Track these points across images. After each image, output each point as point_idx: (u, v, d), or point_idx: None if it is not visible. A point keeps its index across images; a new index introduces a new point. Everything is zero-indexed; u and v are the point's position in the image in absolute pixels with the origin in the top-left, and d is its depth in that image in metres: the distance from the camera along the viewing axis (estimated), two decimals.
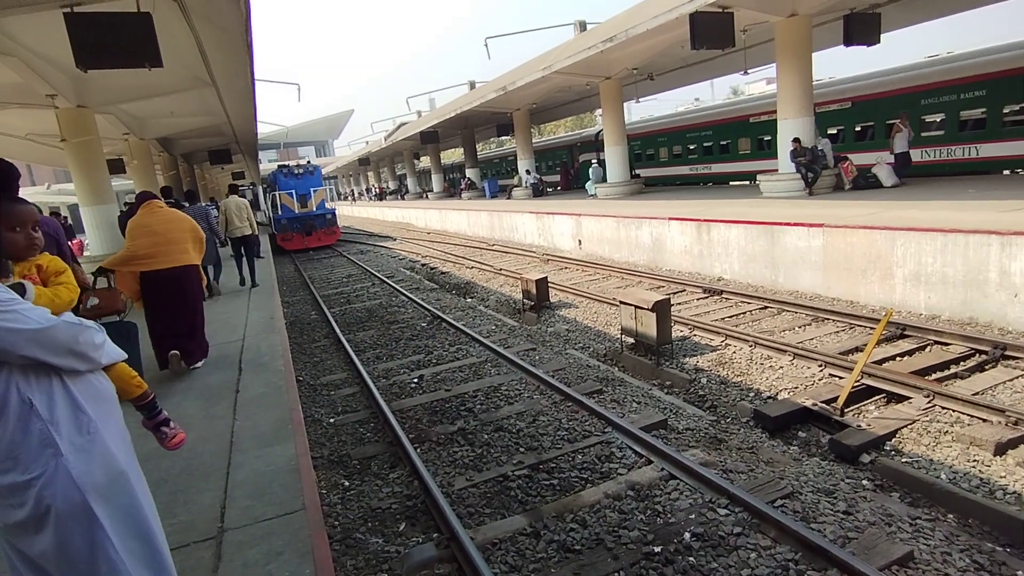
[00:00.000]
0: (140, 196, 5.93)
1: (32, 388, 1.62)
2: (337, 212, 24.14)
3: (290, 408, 4.57)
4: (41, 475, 1.59)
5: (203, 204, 10.79)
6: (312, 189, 21.60)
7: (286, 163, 23.25)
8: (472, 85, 28.72)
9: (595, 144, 25.53)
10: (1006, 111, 13.02)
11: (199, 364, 5.84)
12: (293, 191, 21.28)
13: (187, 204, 10.16)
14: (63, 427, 1.65)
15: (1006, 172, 13.45)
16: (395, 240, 24.40)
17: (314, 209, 21.73)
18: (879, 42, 13.23)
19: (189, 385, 5.35)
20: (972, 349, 6.11)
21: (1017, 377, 5.47)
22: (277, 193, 21.54)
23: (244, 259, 10.63)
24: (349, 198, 63.56)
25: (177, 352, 5.55)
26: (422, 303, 10.72)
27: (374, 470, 4.83)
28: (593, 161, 23.01)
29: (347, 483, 4.64)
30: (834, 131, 16.49)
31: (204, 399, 4.94)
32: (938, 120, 14.33)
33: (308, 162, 23.50)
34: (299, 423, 4.28)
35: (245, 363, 5.89)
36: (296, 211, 21.48)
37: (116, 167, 17.95)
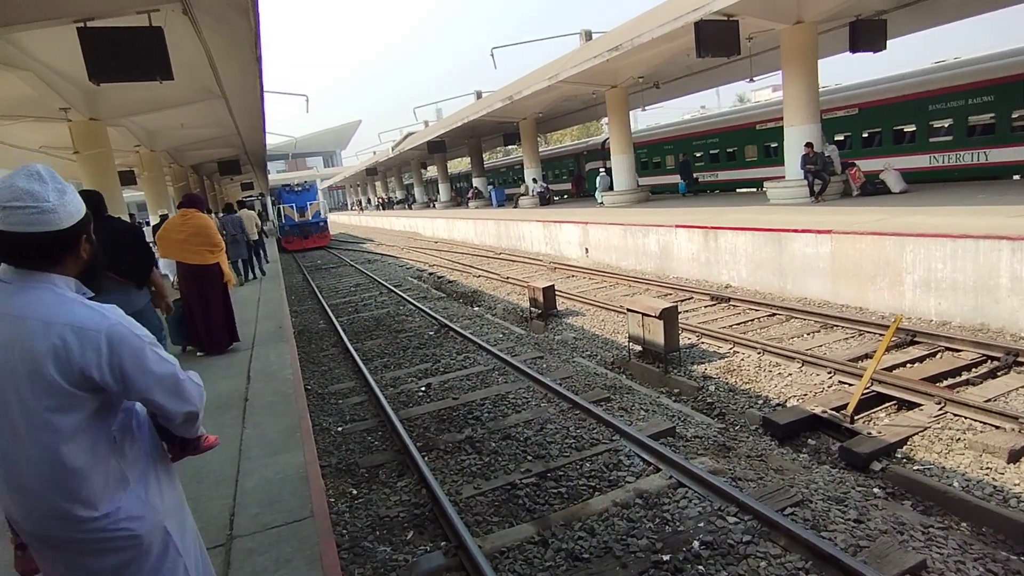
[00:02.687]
0: (183, 200, 7.05)
1: (119, 424, 1.67)
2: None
3: (299, 416, 4.59)
4: (112, 511, 1.59)
5: (236, 214, 13.36)
6: (309, 202, 27.17)
7: (288, 182, 29.05)
8: (479, 95, 28.94)
9: (602, 152, 25.58)
10: (1015, 116, 12.96)
11: (231, 348, 6.97)
12: (293, 204, 26.88)
13: (222, 214, 12.99)
14: (131, 456, 1.68)
15: (1016, 177, 13.37)
16: (402, 249, 24.51)
17: (310, 218, 27.38)
18: (885, 48, 13.25)
19: None
20: (984, 355, 6.05)
21: None
22: (281, 206, 27.34)
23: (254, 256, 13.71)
24: (356, 208, 63.81)
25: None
26: (429, 312, 10.75)
27: (382, 478, 4.83)
28: (600, 169, 23.03)
29: (355, 491, 4.65)
30: (841, 137, 16.47)
31: (213, 407, 4.96)
32: (946, 126, 14.28)
33: (305, 181, 29.33)
34: (307, 431, 4.30)
35: (254, 372, 5.93)
36: (296, 219, 27.08)
37: (127, 179, 18.19)
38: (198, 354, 6.82)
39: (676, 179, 22.77)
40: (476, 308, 11.87)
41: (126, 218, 12.70)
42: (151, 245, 5.85)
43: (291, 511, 3.20)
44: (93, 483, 1.56)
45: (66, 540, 1.59)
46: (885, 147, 15.52)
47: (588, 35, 19.82)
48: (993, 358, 5.98)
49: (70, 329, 1.49)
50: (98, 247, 1.73)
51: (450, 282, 15.22)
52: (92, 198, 4.64)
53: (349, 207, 72.29)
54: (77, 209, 1.59)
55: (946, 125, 14.28)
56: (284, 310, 9.40)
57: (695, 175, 22.05)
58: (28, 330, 1.49)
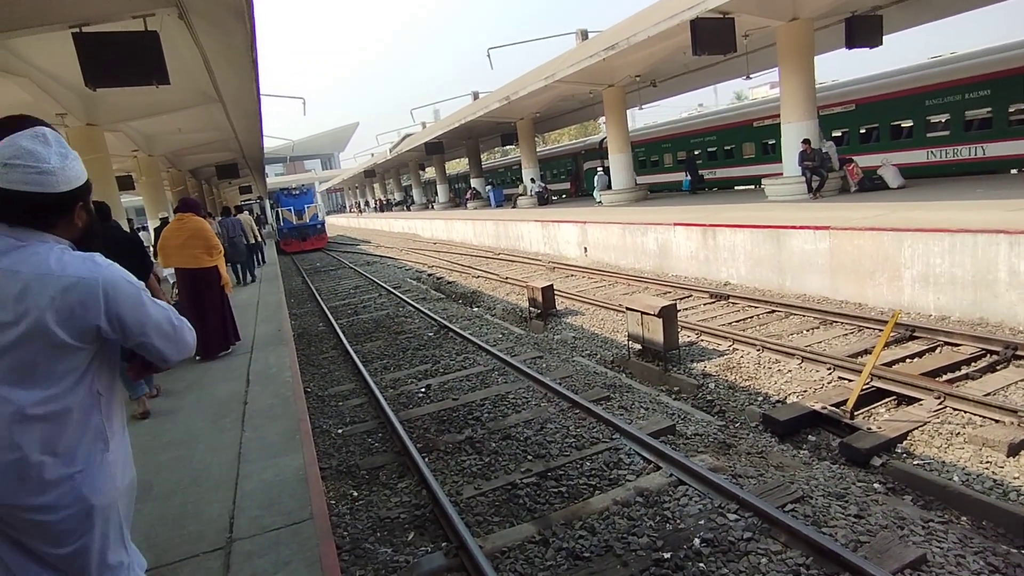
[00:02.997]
0: (180, 205, 7.16)
1: (102, 381, 1.67)
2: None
3: (298, 419, 4.59)
4: (84, 469, 1.59)
5: (236, 217, 14.06)
6: (306, 206, 28.16)
7: (286, 187, 30.34)
8: (475, 95, 28.94)
9: (599, 152, 25.57)
10: (1012, 110, 12.96)
11: (226, 352, 6.88)
12: (291, 207, 27.92)
13: (219, 217, 13.75)
14: (109, 423, 1.68)
15: (1013, 171, 13.38)
16: (400, 250, 24.52)
17: (308, 221, 28.41)
18: (881, 44, 13.26)
19: (198, 397, 5.38)
20: (983, 349, 6.06)
21: None
22: (280, 209, 28.49)
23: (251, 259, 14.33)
24: (355, 210, 63.83)
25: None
26: (429, 313, 10.75)
27: (382, 480, 4.83)
28: (598, 168, 23.01)
29: (356, 493, 4.65)
30: (839, 133, 16.47)
31: (213, 411, 4.97)
32: (943, 121, 14.28)
33: (303, 185, 30.42)
34: (307, 434, 4.30)
35: (253, 375, 5.93)
36: (294, 222, 28.08)
37: (125, 184, 18.18)
38: (196, 357, 6.76)
39: (676, 177, 22.73)
40: (475, 309, 11.87)
41: (124, 223, 12.72)
42: (148, 249, 6.11)
43: (291, 513, 3.20)
44: (71, 437, 1.57)
45: (12, 510, 1.53)
46: (883, 143, 15.53)
47: (584, 34, 19.84)
48: (992, 352, 5.99)
49: (68, 280, 1.52)
50: (95, 218, 1.76)
51: (449, 283, 15.22)
52: (98, 207, 5.09)
53: (348, 209, 72.28)
54: (77, 176, 1.61)
55: (943, 120, 14.28)
56: (283, 313, 9.40)
57: (700, 172, 21.45)
58: (23, 283, 1.50)
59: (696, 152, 22.13)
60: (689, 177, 21.18)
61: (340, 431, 5.93)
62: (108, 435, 1.66)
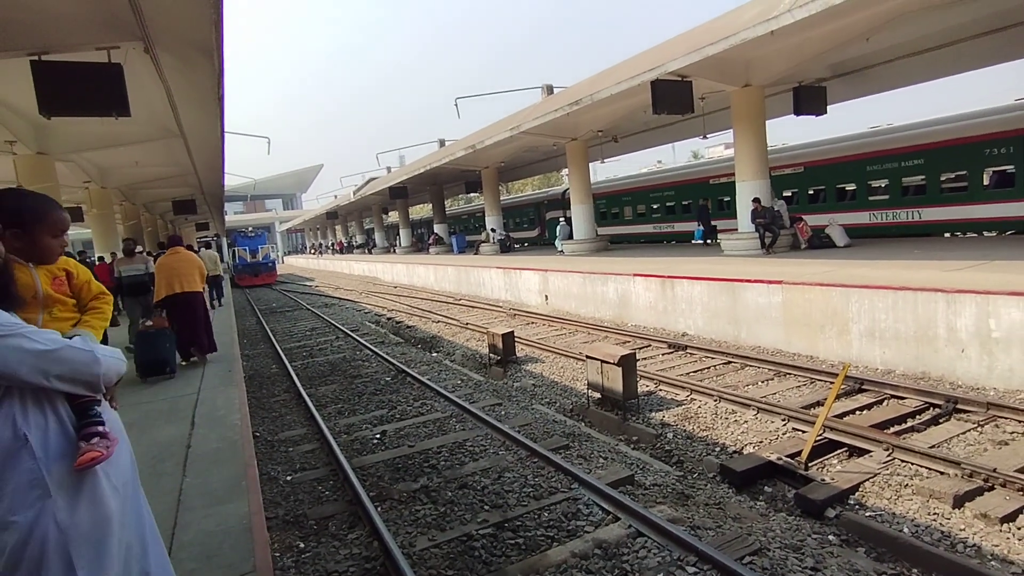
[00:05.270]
0: (170, 241, 8.46)
1: (29, 423, 1.58)
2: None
3: (245, 464, 4.37)
4: (24, 519, 1.50)
5: (201, 251, 15.62)
6: (259, 246, 33.03)
7: (243, 229, 35.82)
8: (442, 143, 29.41)
9: (562, 202, 26.11)
10: (943, 179, 13.90)
11: (208, 357, 8.39)
12: (247, 247, 32.73)
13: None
14: (55, 466, 1.59)
15: (947, 235, 14.23)
16: (360, 293, 24.20)
17: (260, 259, 32.99)
18: (826, 112, 14.18)
19: (137, 440, 5.07)
20: (926, 403, 6.28)
21: (969, 430, 5.62)
22: (236, 248, 33.27)
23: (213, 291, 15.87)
24: (314, 251, 63.01)
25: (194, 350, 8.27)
26: (387, 357, 10.55)
27: (332, 530, 4.61)
28: (560, 219, 23.43)
29: (303, 544, 4.41)
30: (789, 193, 17.28)
31: (152, 455, 4.69)
32: (883, 185, 15.18)
33: (258, 228, 36.26)
34: (254, 480, 4.09)
35: (199, 417, 5.65)
36: (248, 260, 32.62)
37: (74, 215, 17.55)
38: (188, 361, 8.13)
39: (640, 229, 23.45)
40: (434, 354, 11.71)
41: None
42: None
43: (231, 566, 3.00)
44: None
45: None
46: (829, 203, 16.37)
47: (550, 89, 20.52)
48: (935, 405, 6.21)
49: None
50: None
51: (409, 327, 15.03)
52: None
53: (309, 250, 71.35)
54: None
55: (883, 185, 15.19)
56: (235, 352, 9.07)
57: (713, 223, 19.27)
58: None
59: (705, 200, 20.19)
60: (701, 227, 19.42)
61: (289, 478, 5.67)
62: (48, 481, 1.56)
